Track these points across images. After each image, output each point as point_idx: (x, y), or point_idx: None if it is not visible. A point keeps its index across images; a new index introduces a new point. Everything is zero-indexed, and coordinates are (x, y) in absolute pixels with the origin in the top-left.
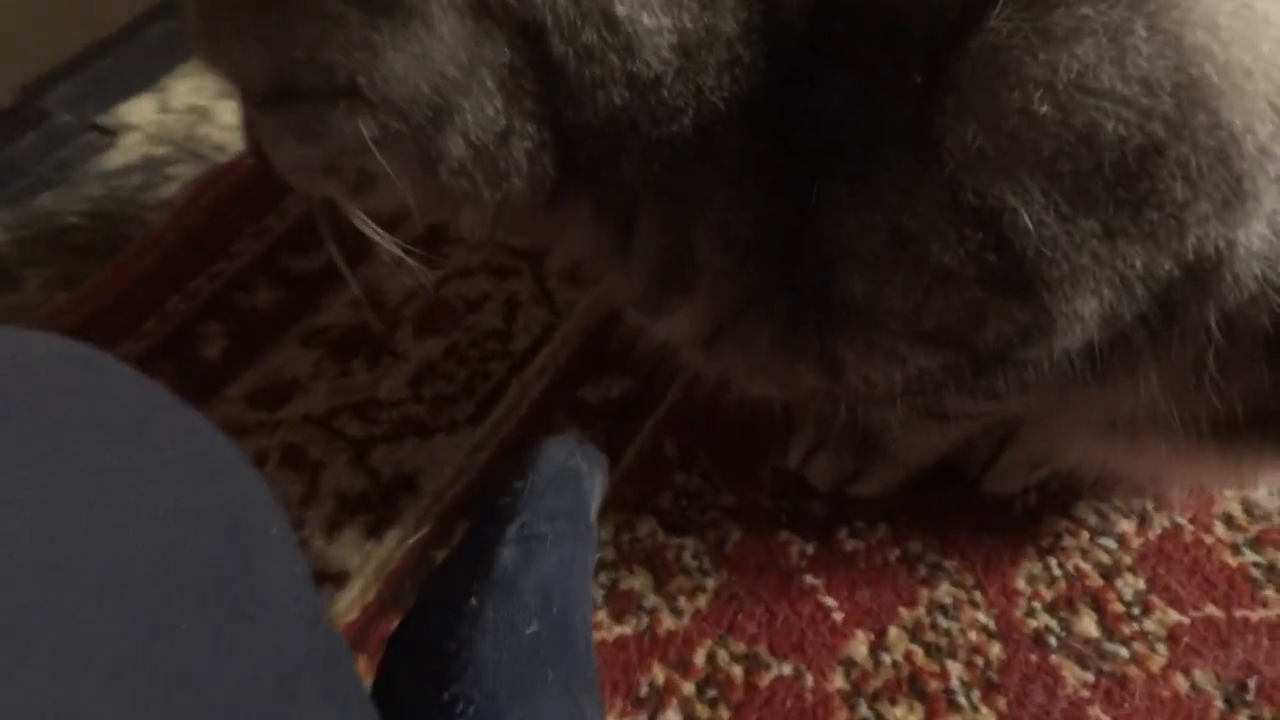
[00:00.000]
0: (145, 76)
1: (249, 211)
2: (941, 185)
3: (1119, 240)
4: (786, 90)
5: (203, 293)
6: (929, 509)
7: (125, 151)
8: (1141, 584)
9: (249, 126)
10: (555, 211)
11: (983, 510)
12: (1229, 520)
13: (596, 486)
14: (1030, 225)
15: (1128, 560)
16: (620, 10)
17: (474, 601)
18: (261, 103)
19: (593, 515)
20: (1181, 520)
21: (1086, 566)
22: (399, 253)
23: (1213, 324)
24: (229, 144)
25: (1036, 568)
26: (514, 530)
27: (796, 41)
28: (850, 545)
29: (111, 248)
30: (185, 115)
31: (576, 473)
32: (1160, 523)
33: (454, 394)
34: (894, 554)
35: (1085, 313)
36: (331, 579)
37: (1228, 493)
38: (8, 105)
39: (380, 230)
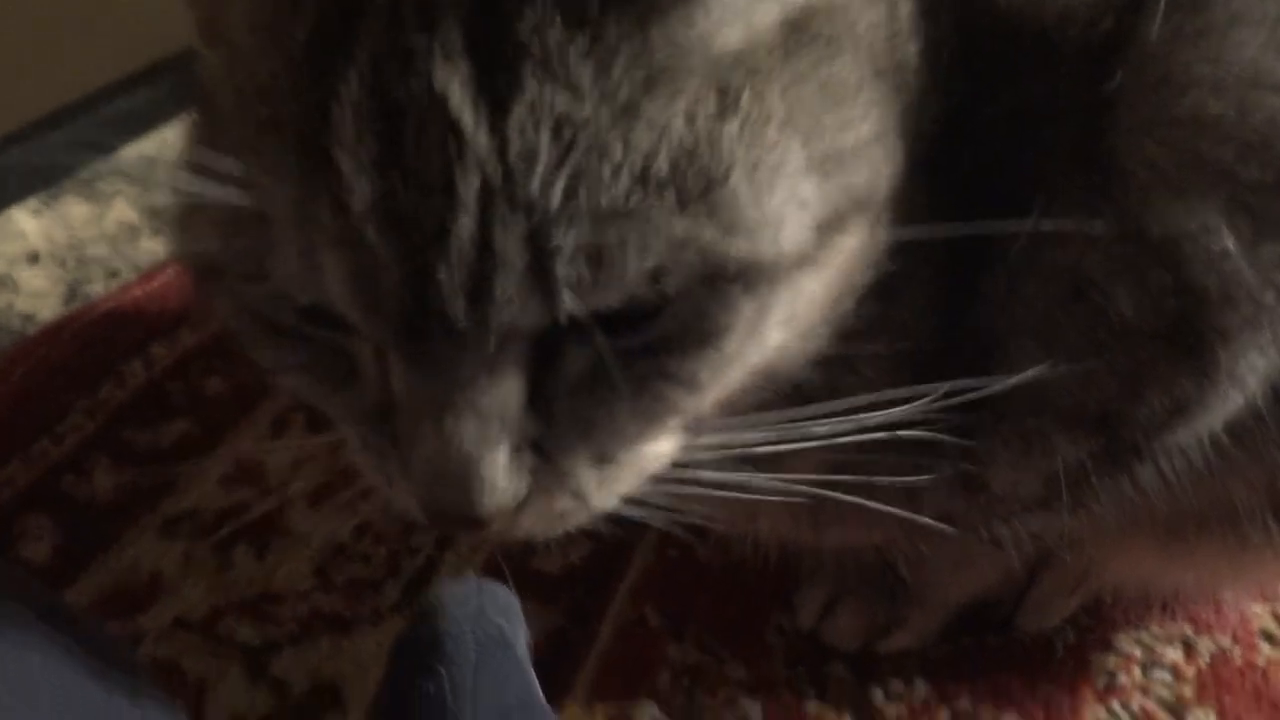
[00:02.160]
0: None
1: (77, 384)
2: (1123, 215)
3: None
4: (950, 133)
5: (16, 482)
6: (966, 659)
7: None
8: (1212, 718)
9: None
10: None
11: (1024, 653)
12: (1270, 638)
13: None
14: (1214, 254)
15: (1188, 693)
16: None
17: None
18: None
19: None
20: (1225, 641)
21: (1151, 705)
22: None
23: None
24: (38, 312)
25: (1101, 713)
26: None
27: (952, 64)
28: (892, 711)
29: None
30: None
31: (503, 640)
32: (1206, 646)
33: (373, 577)
34: (943, 715)
35: (1253, 372)
36: None
37: (1256, 608)
38: None
39: None
